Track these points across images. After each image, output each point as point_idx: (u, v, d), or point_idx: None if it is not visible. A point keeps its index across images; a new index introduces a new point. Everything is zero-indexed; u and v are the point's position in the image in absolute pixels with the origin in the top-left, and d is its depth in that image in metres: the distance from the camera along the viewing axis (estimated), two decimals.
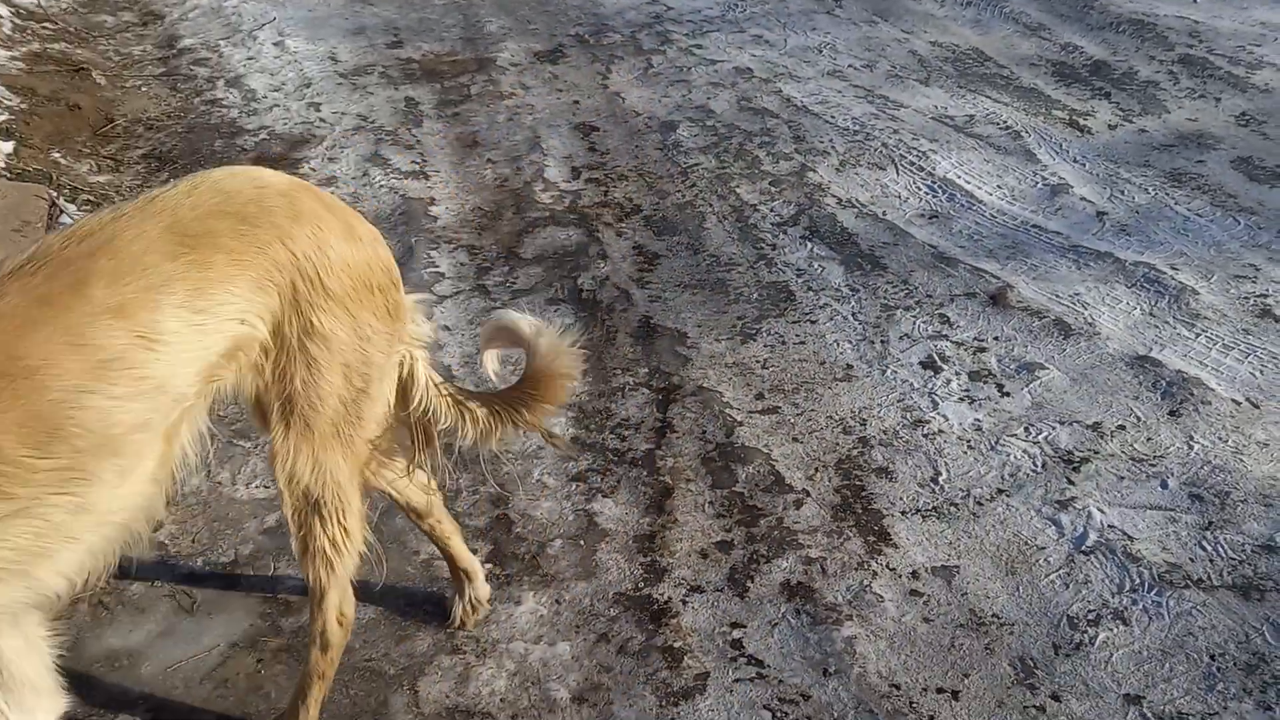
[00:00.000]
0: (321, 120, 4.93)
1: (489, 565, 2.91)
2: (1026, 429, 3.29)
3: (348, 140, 4.77)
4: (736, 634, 2.73)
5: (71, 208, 4.19)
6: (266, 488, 3.15)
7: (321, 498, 2.27)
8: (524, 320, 2.50)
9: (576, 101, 5.07)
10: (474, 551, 2.92)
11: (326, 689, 2.44)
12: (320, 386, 2.20)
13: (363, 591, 2.81)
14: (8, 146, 4.45)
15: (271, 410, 2.18)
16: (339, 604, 2.36)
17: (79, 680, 2.59)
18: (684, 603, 2.81)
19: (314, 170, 4.57)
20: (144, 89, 5.20)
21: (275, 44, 5.64)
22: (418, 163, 4.64)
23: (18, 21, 5.36)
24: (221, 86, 5.20)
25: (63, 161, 4.54)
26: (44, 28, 5.47)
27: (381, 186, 4.47)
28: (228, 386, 2.11)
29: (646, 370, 3.57)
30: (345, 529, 2.32)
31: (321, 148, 4.71)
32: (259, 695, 2.59)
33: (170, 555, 2.93)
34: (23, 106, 4.77)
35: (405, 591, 2.84)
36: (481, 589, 2.79)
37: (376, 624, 2.75)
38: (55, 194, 4.17)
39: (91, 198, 4.33)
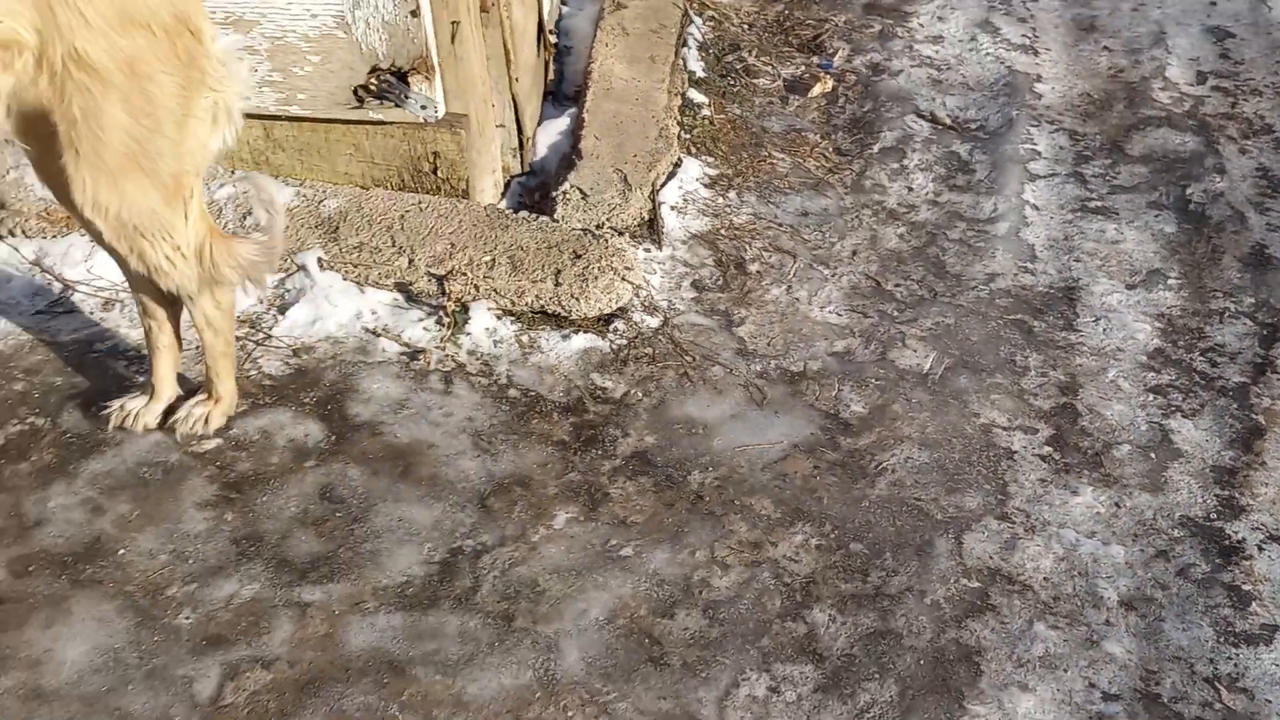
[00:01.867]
0: None
1: (1047, 449, 2.86)
2: None
3: (960, 3, 4.68)
4: None
5: (699, 20, 4.44)
6: (839, 315, 3.26)
7: (139, 224, 2.43)
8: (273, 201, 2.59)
9: (1213, 3, 4.66)
10: (1033, 432, 2.89)
11: (234, 356, 2.78)
12: (101, 118, 2.28)
13: (923, 442, 2.87)
14: None
15: (60, 136, 2.29)
16: (210, 297, 2.63)
17: (662, 437, 2.87)
18: (1260, 548, 2.62)
19: (921, 25, 4.54)
20: None
21: None
22: (1028, 37, 4.47)
23: None
24: None
25: None
26: None
27: (987, 54, 4.36)
28: (6, 88, 2.23)
29: (1253, 301, 3.28)
30: (176, 248, 2.50)
31: (933, 5, 4.65)
32: (811, 496, 2.73)
33: (748, 351, 3.12)
34: None
35: (962, 446, 2.86)
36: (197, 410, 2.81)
37: (930, 469, 2.80)
38: (688, 3, 4.43)
39: (715, 15, 4.56)
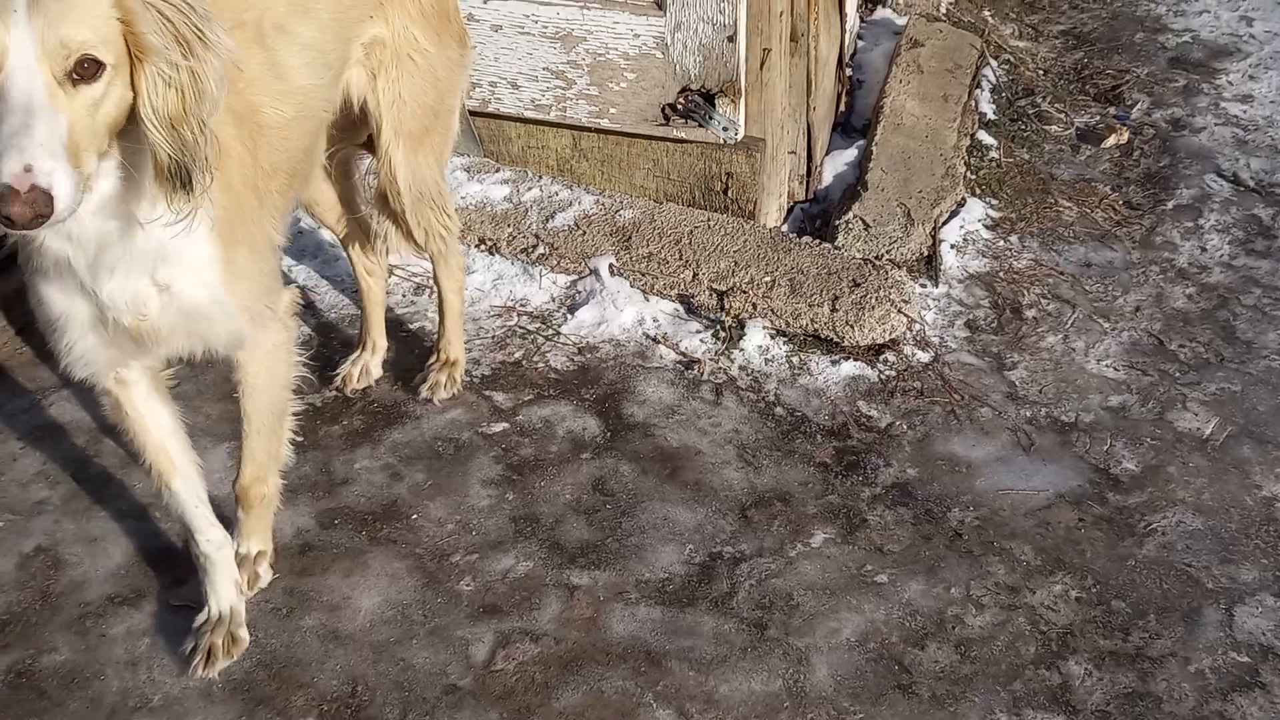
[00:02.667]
0: (1251, 36, 4.67)
1: None
2: None
3: (1274, 62, 4.48)
4: None
5: (994, 63, 4.42)
6: (1116, 370, 3.19)
7: (430, 194, 2.74)
8: None
9: None
10: None
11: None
12: (425, 99, 2.61)
13: (1197, 507, 2.79)
14: None
15: (380, 118, 2.58)
16: (459, 258, 2.99)
17: (924, 471, 2.89)
18: None
19: (1230, 83, 4.37)
20: None
21: None
22: None
23: None
24: None
25: (990, 19, 4.78)
26: None
27: None
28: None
29: None
30: (449, 216, 2.84)
31: (1245, 63, 4.48)
32: (1074, 548, 2.70)
33: (1018, 396, 3.10)
34: None
35: (1239, 517, 2.76)
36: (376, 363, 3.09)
37: (1203, 536, 2.71)
38: (985, 45, 4.42)
39: (1011, 59, 4.54)
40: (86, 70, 1.67)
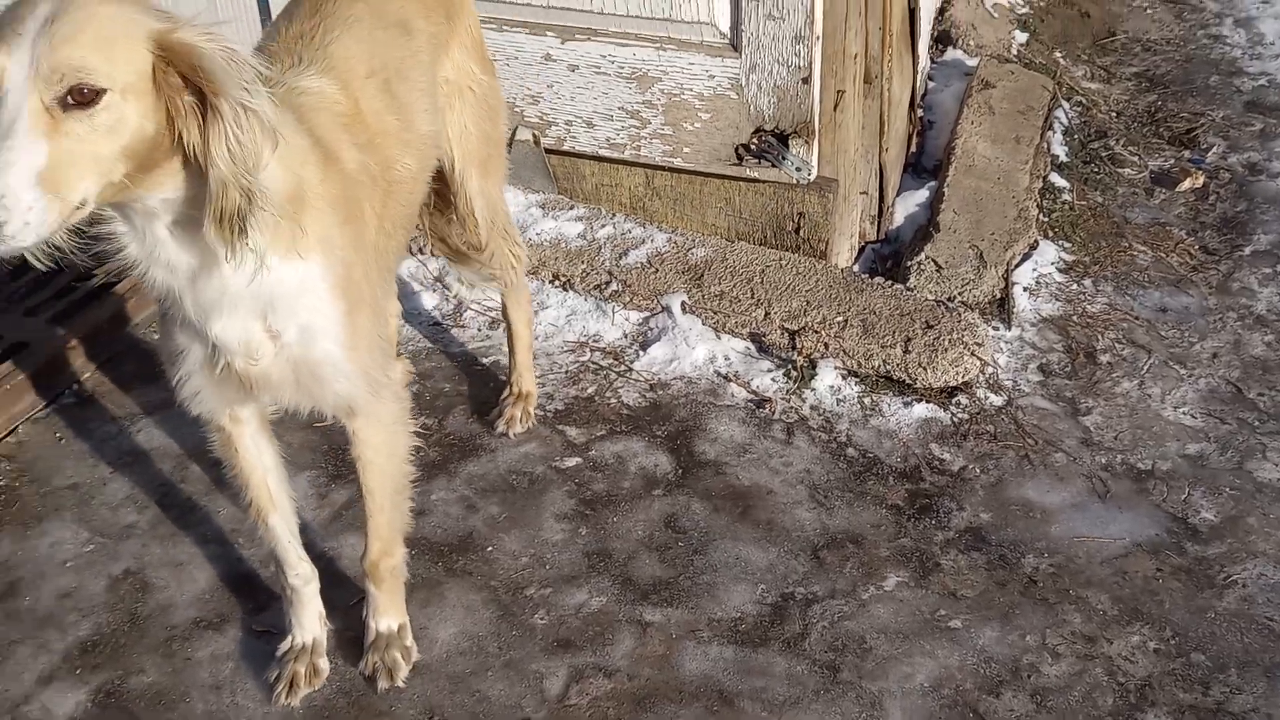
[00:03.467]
0: None
1: None
2: None
3: None
4: None
5: (1066, 104, 4.41)
6: (1193, 417, 3.16)
7: (502, 222, 2.84)
8: None
9: None
10: None
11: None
12: (485, 128, 2.70)
13: (1276, 557, 2.76)
14: (1022, 37, 4.78)
15: (452, 151, 2.64)
16: (527, 289, 3.08)
17: (997, 516, 2.88)
18: None
19: None
20: (1149, 11, 5.25)
21: None
22: None
23: None
24: (1229, 25, 5.08)
25: (1062, 61, 4.78)
26: None
27: None
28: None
29: None
30: (518, 244, 2.93)
31: None
32: (1152, 599, 2.67)
33: (1093, 441, 3.08)
34: (1041, 4, 5.08)
35: None
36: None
37: None
38: (1056, 87, 4.42)
39: (1083, 101, 4.53)
40: (83, 96, 1.63)
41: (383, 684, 2.44)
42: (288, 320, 2.03)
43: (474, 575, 2.70)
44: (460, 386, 3.21)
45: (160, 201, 1.82)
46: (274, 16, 2.75)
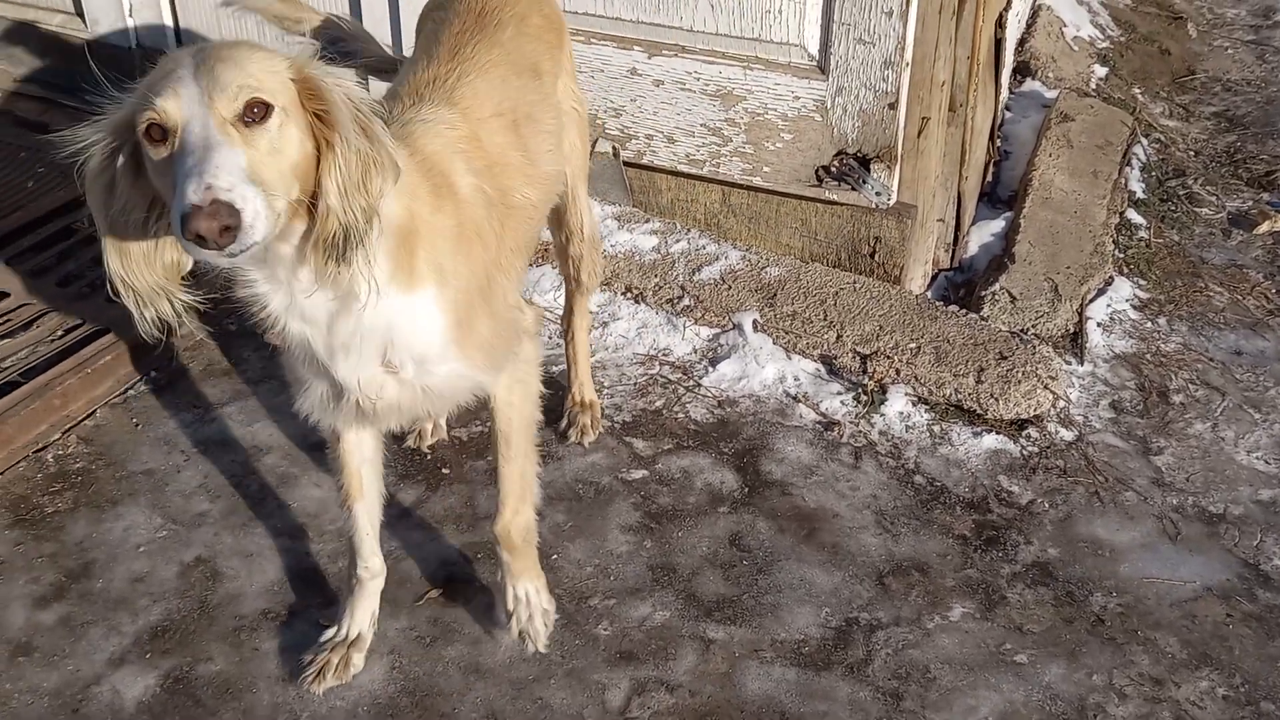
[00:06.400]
0: None
1: None
2: None
3: None
4: None
5: (1144, 141, 4.38)
6: (1267, 463, 3.12)
7: (597, 233, 3.02)
8: None
9: None
10: None
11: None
12: (583, 142, 2.83)
13: None
14: (1102, 71, 4.76)
15: (569, 172, 2.73)
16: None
17: (1065, 552, 2.85)
18: None
19: None
20: (1229, 50, 5.21)
21: None
22: None
23: None
24: None
25: (1140, 97, 4.74)
26: None
27: None
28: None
29: None
30: (601, 253, 3.09)
31: None
32: (1222, 644, 2.63)
33: (1164, 482, 3.04)
34: (1121, 39, 5.04)
35: None
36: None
37: None
38: (1135, 123, 4.38)
39: (1161, 138, 4.49)
40: (256, 113, 1.75)
41: (530, 648, 2.51)
42: (405, 354, 2.10)
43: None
44: None
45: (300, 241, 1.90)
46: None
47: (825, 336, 3.29)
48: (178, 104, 1.72)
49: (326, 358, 2.06)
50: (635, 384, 3.30)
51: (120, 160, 1.82)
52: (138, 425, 3.11)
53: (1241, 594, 2.76)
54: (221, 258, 1.73)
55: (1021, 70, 4.70)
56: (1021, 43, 4.76)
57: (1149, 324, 3.60)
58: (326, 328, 2.01)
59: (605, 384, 3.22)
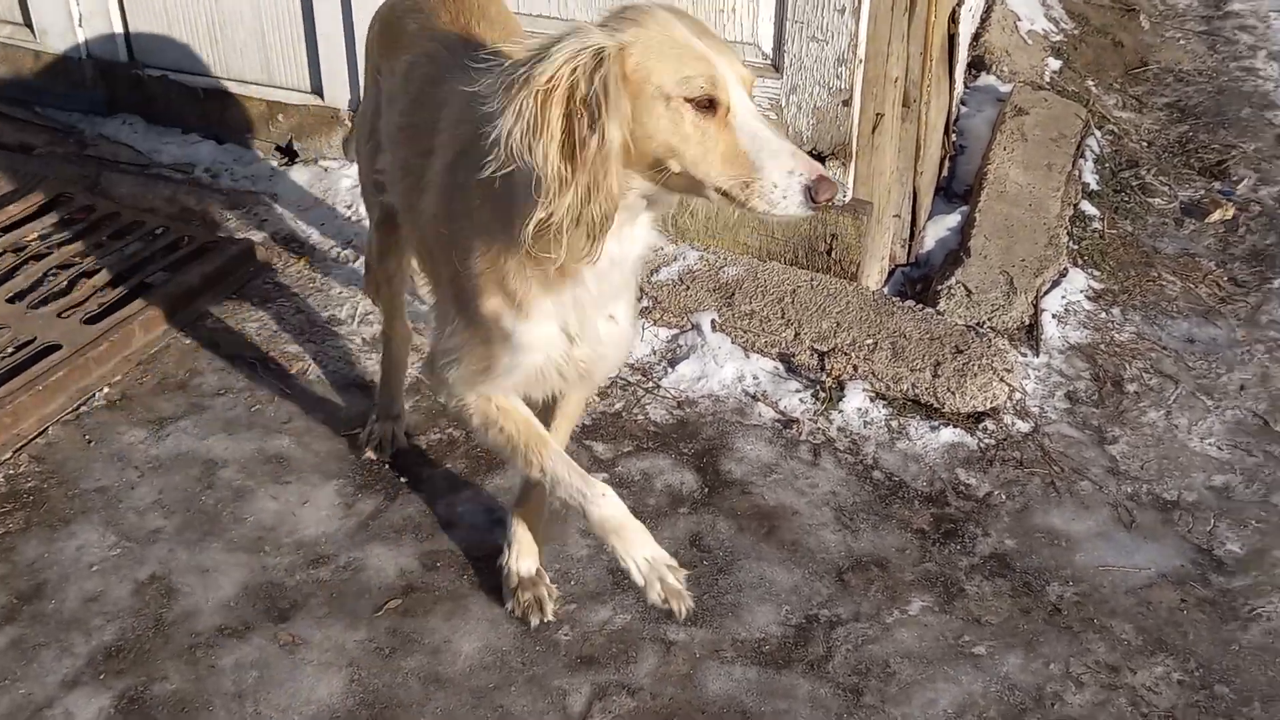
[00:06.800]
0: None
1: None
2: None
3: None
4: None
5: (1098, 133, 4.41)
6: (1220, 449, 3.15)
7: None
8: None
9: None
10: None
11: None
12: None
13: None
14: (1056, 64, 4.79)
15: None
16: None
17: (1022, 543, 2.87)
18: None
19: None
20: (1181, 41, 5.26)
21: None
22: None
23: None
24: (1262, 58, 5.09)
25: (1094, 89, 4.78)
26: None
27: None
28: None
29: None
30: None
31: None
32: (1176, 630, 2.65)
33: (1119, 470, 3.07)
34: (1075, 32, 5.09)
35: None
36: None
37: None
38: (1089, 115, 4.41)
39: (1115, 130, 4.53)
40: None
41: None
42: (619, 305, 2.29)
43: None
44: None
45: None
46: None
47: (783, 335, 3.30)
48: (727, 82, 1.93)
49: (578, 312, 2.20)
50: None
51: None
52: (90, 442, 3.08)
53: (1195, 579, 2.79)
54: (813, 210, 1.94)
55: (976, 64, 4.73)
56: (976, 37, 4.79)
57: (1103, 314, 3.63)
58: (601, 278, 2.16)
59: None
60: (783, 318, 3.32)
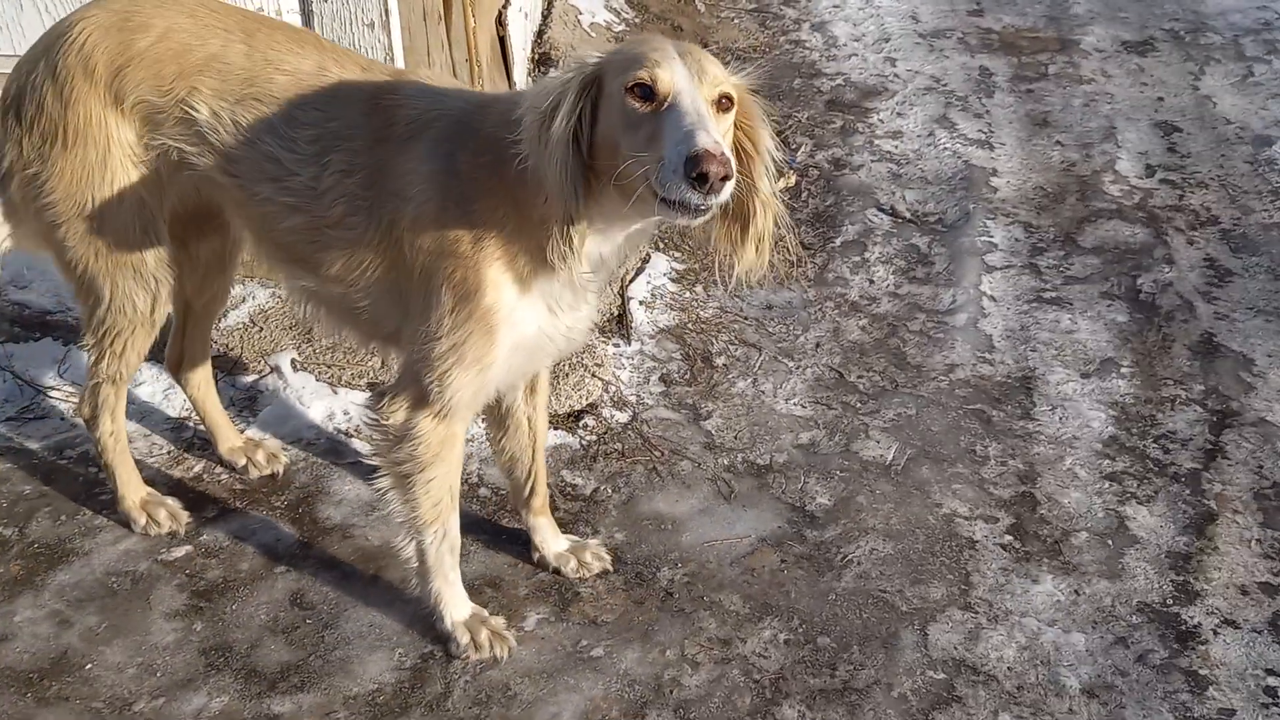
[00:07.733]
0: (895, 75, 5.01)
1: (1008, 537, 2.90)
2: None
3: (918, 99, 4.82)
4: (1272, 681, 2.55)
5: None
6: (803, 407, 3.31)
7: None
8: None
9: (1161, 98, 4.81)
10: (993, 521, 2.93)
11: None
12: None
13: (887, 533, 2.91)
14: None
15: None
16: None
17: (631, 534, 2.90)
18: (1215, 633, 2.66)
19: (881, 122, 4.67)
20: (736, 21, 5.52)
21: None
22: (984, 132, 4.60)
23: None
24: (806, 30, 5.42)
25: None
26: None
27: (945, 149, 4.49)
28: None
29: (1202, 388, 3.36)
30: None
31: (892, 101, 4.79)
32: (779, 590, 2.76)
33: (716, 444, 3.16)
34: (635, 21, 5.22)
35: (925, 537, 2.90)
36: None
37: (894, 560, 2.83)
38: None
39: None
40: (724, 104, 2.09)
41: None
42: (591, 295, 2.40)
43: (72, 700, 2.43)
44: (42, 486, 2.90)
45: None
46: None
47: (371, 363, 3.18)
48: (671, 74, 2.02)
49: (572, 297, 2.31)
50: (169, 452, 3.04)
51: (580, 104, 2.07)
52: None
53: (792, 538, 2.91)
54: (702, 202, 1.95)
55: (544, 61, 4.76)
56: (540, 34, 4.82)
57: (687, 294, 3.74)
58: (601, 265, 2.31)
59: (136, 456, 2.94)
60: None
